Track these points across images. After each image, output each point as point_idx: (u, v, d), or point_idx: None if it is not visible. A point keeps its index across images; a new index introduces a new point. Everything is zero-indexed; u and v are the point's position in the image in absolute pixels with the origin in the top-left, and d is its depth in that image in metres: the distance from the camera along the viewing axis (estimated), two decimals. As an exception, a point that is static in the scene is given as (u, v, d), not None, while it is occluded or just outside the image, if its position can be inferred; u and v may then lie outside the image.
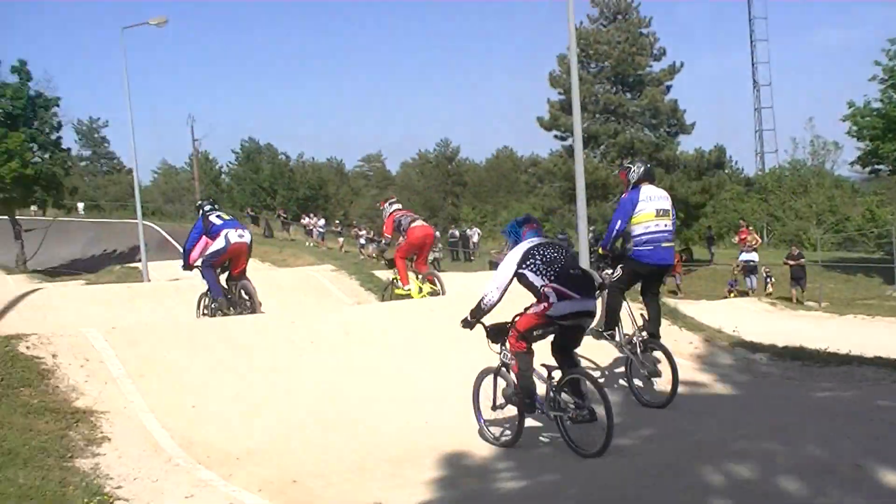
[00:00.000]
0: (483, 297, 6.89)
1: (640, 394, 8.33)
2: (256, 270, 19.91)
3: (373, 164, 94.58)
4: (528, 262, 6.83)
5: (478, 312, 6.96)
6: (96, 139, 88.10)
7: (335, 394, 8.47)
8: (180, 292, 14.74)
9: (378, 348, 9.59)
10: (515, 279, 6.88)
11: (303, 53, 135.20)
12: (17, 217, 38.85)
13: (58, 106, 39.18)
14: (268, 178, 69.81)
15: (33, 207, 45.34)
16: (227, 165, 79.64)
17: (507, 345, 6.97)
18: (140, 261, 28.29)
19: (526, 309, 6.90)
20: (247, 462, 6.84)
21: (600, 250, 8.52)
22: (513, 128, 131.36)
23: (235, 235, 11.06)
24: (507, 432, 7.23)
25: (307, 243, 45.65)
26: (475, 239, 45.23)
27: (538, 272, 6.76)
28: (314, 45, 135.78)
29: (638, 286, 8.60)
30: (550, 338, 6.88)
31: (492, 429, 7.31)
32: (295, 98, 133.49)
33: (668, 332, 10.31)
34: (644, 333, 8.37)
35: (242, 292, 11.18)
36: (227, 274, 11.29)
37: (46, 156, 38.93)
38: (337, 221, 54.07)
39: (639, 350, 8.31)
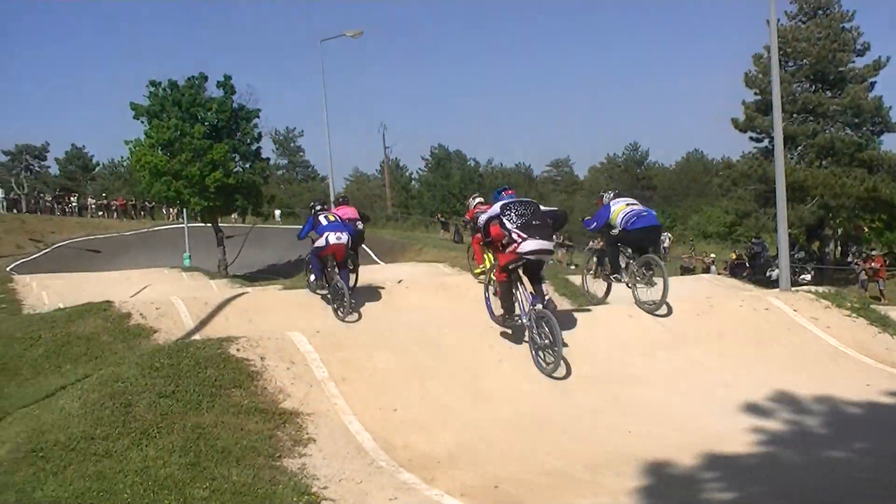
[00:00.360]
0: (479, 220, 10.63)
1: (639, 299, 12.00)
2: (447, 276, 20.92)
3: (561, 169, 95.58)
4: (505, 213, 10.00)
5: (477, 226, 12.18)
6: (292, 148, 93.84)
7: (534, 400, 8.69)
8: (377, 297, 15.75)
9: (577, 355, 9.78)
10: (497, 221, 9.98)
11: (490, 60, 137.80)
12: (219, 224, 42.33)
13: (258, 117, 42.13)
14: (457, 183, 71.55)
15: (234, 215, 49.16)
16: (418, 172, 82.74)
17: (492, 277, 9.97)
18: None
19: (504, 248, 9.96)
20: (448, 466, 7.16)
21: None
22: (703, 130, 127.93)
23: (334, 237, 14.53)
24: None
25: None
26: (666, 244, 44.57)
27: (511, 220, 9.91)
28: (501, 51, 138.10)
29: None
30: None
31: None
32: (483, 104, 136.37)
33: (880, 341, 11.23)
34: (639, 263, 12.04)
35: (340, 283, 14.34)
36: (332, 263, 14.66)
37: (247, 165, 41.96)
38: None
39: (640, 275, 11.99)
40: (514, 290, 9.95)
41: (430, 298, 15.45)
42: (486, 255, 15.61)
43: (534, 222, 9.91)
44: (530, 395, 8.81)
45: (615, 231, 12.29)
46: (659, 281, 11.70)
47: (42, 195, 63.35)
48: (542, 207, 10.35)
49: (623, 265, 12.42)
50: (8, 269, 41.27)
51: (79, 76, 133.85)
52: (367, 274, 26.67)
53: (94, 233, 53.31)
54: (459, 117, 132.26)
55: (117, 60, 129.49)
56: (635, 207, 12.37)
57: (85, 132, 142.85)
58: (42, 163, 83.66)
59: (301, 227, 15.55)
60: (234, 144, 40.67)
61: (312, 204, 16.00)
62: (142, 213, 61.26)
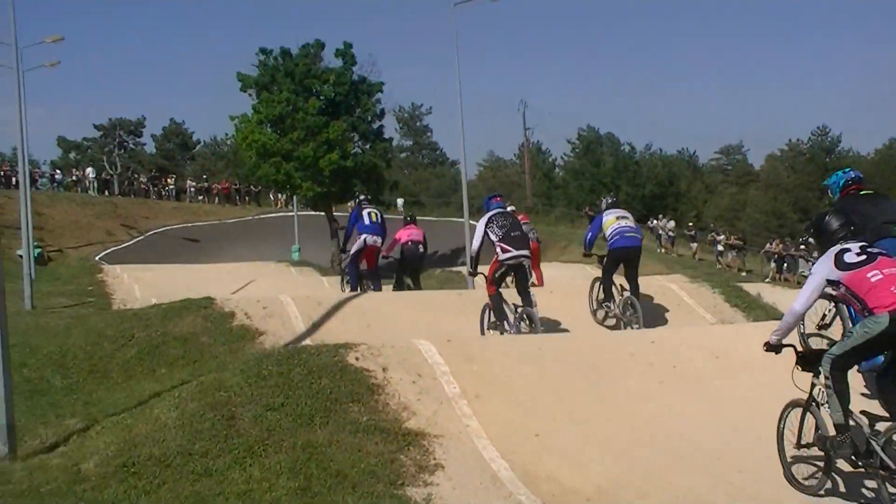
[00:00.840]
0: (471, 249, 14.33)
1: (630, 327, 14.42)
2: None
3: (732, 157, 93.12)
4: (489, 226, 13.43)
5: (470, 262, 14.41)
6: (418, 128, 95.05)
7: (700, 429, 8.51)
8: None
9: (754, 376, 9.50)
10: (484, 235, 13.41)
11: (645, 28, 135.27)
12: (333, 213, 42.99)
13: (381, 92, 42.69)
14: (609, 171, 70.76)
15: (351, 203, 50.07)
16: (563, 158, 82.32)
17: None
18: (464, 265, 30.22)
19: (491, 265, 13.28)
20: (598, 502, 7.13)
21: (584, 252, 15.82)
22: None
23: (371, 240, 17.78)
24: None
25: (655, 249, 45.68)
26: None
27: (494, 233, 13.35)
28: (657, 19, 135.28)
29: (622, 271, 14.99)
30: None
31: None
32: (640, 79, 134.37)
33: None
34: (626, 294, 14.85)
35: (370, 284, 18.03)
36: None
37: (367, 146, 42.63)
38: (689, 224, 53.47)
39: (623, 305, 14.79)
40: (503, 302, 13.47)
41: (577, 305, 15.32)
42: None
43: (512, 234, 13.39)
44: (697, 422, 8.59)
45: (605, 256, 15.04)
46: (637, 321, 14.35)
47: (136, 176, 65.54)
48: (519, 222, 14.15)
49: (614, 295, 15.05)
50: (97, 258, 43.19)
51: (179, 43, 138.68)
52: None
53: (193, 220, 55.08)
54: (612, 94, 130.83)
55: (222, 26, 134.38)
56: (623, 224, 14.88)
57: (185, 106, 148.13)
58: (137, 139, 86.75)
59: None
60: (353, 122, 41.36)
61: (357, 193, 19.94)
62: (246, 198, 62.95)
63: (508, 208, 18.79)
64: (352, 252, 18.18)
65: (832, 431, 7.31)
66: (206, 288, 18.81)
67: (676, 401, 9.14)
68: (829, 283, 7.52)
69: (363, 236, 17.77)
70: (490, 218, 13.55)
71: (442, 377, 8.82)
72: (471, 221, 32.87)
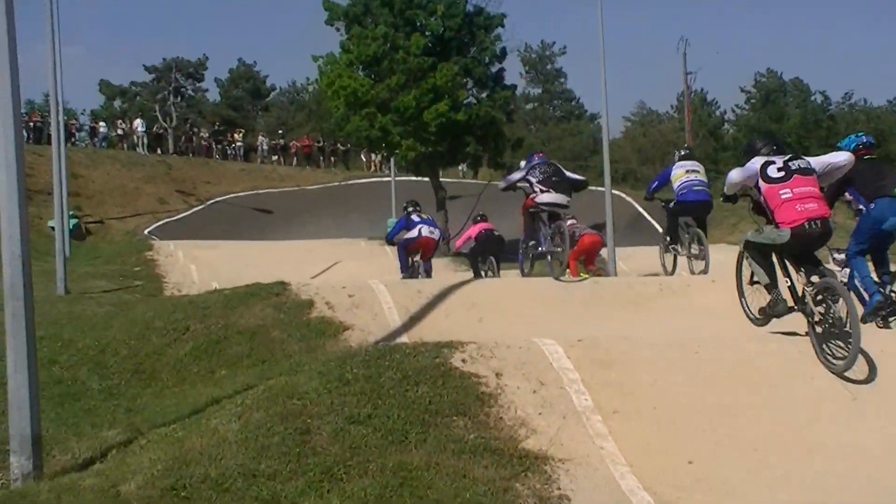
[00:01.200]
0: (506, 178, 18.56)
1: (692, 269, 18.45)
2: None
3: None
4: (531, 172, 16.92)
5: (505, 182, 18.24)
6: (548, 72, 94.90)
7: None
8: (665, 294, 15.77)
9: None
10: (524, 181, 17.07)
11: None
12: (440, 179, 43.00)
13: (502, 26, 42.26)
14: (794, 128, 69.53)
15: (462, 166, 49.96)
16: (734, 110, 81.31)
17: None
18: (605, 246, 30.00)
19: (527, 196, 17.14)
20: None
21: (645, 195, 20.74)
22: None
23: (427, 231, 22.20)
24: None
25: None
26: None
27: (534, 177, 16.80)
28: None
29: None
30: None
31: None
32: (836, 10, 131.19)
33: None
34: (693, 229, 18.38)
35: (422, 272, 21.75)
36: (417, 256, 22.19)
37: (484, 95, 42.48)
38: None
39: (690, 246, 18.35)
40: (537, 224, 17.12)
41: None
42: (579, 265, 23.26)
43: (553, 179, 16.88)
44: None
45: (672, 202, 18.63)
46: (703, 257, 18.06)
47: (196, 130, 66.60)
48: (566, 172, 17.44)
49: (681, 237, 18.54)
50: (146, 231, 44.11)
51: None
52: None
53: (265, 185, 55.88)
54: (799, 28, 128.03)
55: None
56: (693, 178, 18.55)
57: (256, 43, 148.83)
58: (197, 84, 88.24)
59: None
60: (467, 64, 41.20)
61: (406, 205, 23.73)
62: (332, 159, 63.76)
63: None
64: (403, 238, 22.67)
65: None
66: (280, 270, 19.19)
67: (874, 424, 9.00)
68: (755, 184, 10.84)
69: (419, 227, 22.36)
70: (534, 165, 17.26)
71: (570, 386, 8.87)
72: (613, 191, 32.61)
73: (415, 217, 22.63)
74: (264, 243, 36.14)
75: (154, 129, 64.59)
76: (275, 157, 63.05)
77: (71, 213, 34.97)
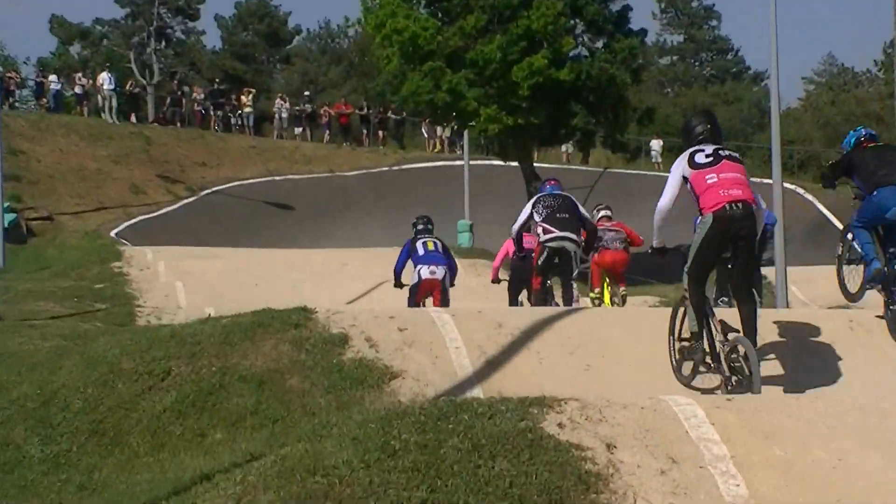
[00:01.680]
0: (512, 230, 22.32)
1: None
2: None
3: None
4: (535, 207, 21.08)
5: (517, 225, 21.79)
6: (693, 13, 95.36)
7: None
8: (857, 333, 15.67)
9: None
10: (529, 217, 21.23)
11: None
12: (534, 163, 42.95)
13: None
14: None
15: (566, 146, 50.01)
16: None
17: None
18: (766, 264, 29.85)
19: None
20: None
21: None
22: None
23: (427, 272, 22.67)
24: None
25: None
26: None
27: (539, 213, 20.88)
28: None
29: None
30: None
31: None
32: None
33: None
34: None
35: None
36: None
37: (599, 44, 42.71)
38: None
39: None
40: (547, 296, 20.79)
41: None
42: (603, 279, 25.57)
43: (558, 215, 20.11)
44: None
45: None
46: None
47: (187, 89, 66.61)
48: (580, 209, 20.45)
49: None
50: (113, 232, 44.36)
51: None
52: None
53: (284, 169, 56.07)
54: None
55: None
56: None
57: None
58: (190, 24, 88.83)
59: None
60: (576, 5, 41.20)
61: (415, 222, 24.19)
62: (380, 134, 63.84)
63: (601, 213, 25.96)
64: (409, 285, 23.41)
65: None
66: (302, 291, 19.29)
67: None
68: (684, 179, 13.05)
69: (418, 268, 23.00)
70: (539, 197, 21.06)
71: (715, 466, 8.78)
72: (786, 184, 32.27)
73: (420, 248, 23.20)
74: (280, 252, 36.48)
75: (128, 87, 65.06)
76: (298, 130, 63.07)
77: (6, 205, 35.29)
